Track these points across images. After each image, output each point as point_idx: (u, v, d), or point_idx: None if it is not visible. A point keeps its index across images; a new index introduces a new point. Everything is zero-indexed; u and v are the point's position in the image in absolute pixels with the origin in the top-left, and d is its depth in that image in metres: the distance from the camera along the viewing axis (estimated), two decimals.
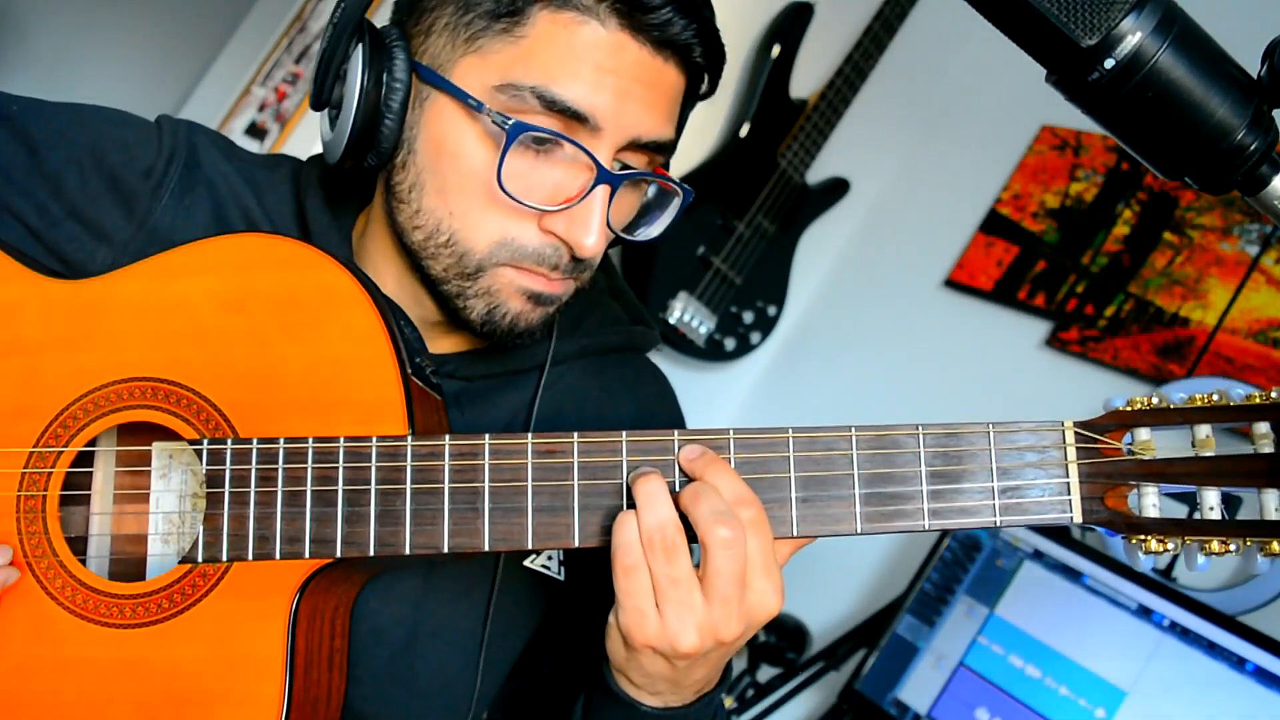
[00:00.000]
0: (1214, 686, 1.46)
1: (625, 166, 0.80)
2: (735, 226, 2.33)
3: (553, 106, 0.74)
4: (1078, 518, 0.66)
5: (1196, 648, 1.49)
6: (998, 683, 1.65)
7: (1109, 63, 0.57)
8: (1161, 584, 1.58)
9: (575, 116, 0.75)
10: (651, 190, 0.87)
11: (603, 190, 0.77)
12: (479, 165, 0.76)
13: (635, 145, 0.79)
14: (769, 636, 2.03)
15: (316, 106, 0.78)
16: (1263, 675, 1.42)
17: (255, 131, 2.57)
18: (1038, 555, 1.71)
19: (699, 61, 0.80)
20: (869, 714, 1.79)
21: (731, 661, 0.78)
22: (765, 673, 2.02)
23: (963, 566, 1.79)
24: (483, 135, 0.76)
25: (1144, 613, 1.56)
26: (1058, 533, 1.72)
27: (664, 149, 0.81)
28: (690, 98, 0.84)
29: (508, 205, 0.77)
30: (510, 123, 0.74)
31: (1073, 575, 1.66)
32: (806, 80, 2.44)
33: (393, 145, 0.78)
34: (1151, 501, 0.65)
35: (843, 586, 2.16)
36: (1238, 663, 1.45)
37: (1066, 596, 1.65)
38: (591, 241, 0.77)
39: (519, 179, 0.76)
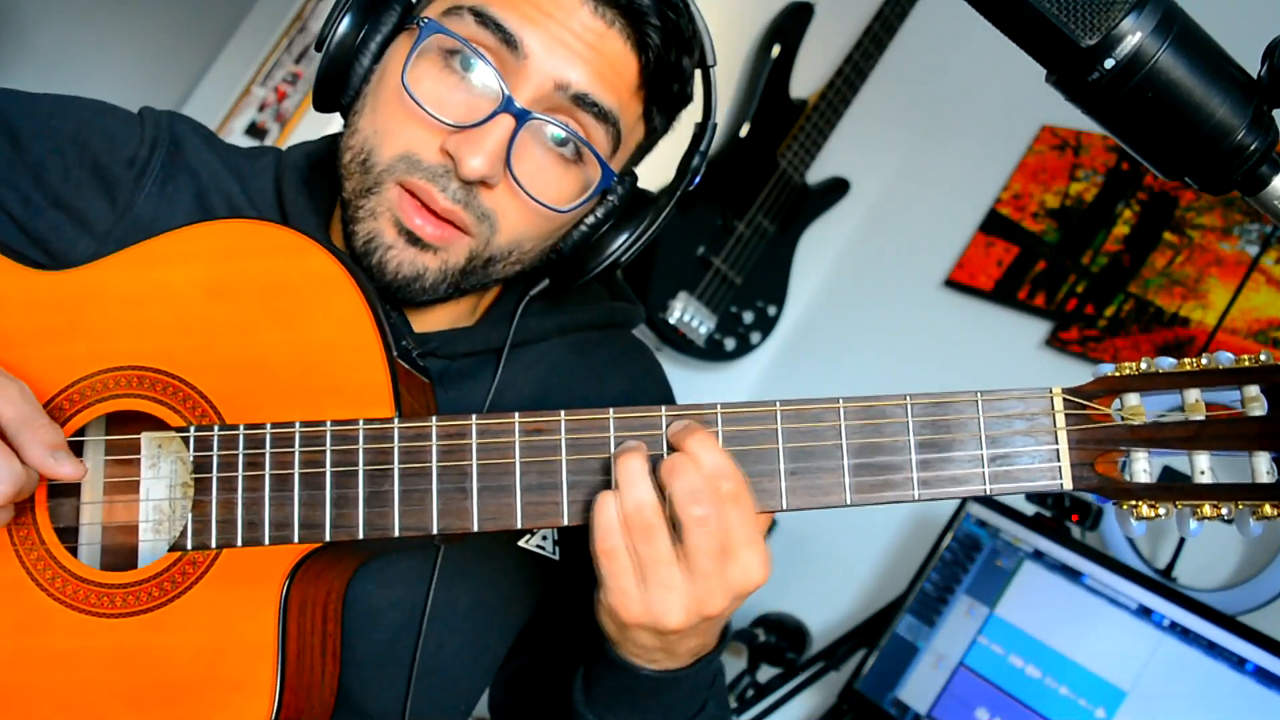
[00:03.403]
0: (1214, 686, 1.46)
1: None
2: (735, 226, 2.33)
3: (485, 24, 0.77)
4: (1068, 484, 0.66)
5: (1196, 648, 1.49)
6: (998, 683, 1.65)
7: (1109, 63, 0.57)
8: (1161, 584, 1.58)
9: (505, 38, 0.77)
10: (592, 177, 0.83)
11: (505, 121, 0.77)
12: (400, 75, 0.79)
13: (565, 97, 0.78)
14: (769, 636, 2.03)
15: (318, 46, 0.83)
16: (1263, 675, 1.42)
17: (255, 131, 2.57)
18: (1038, 555, 1.71)
19: (651, 40, 0.79)
20: (869, 714, 1.79)
21: (730, 622, 0.79)
22: (765, 673, 2.02)
23: (963, 566, 1.79)
24: (409, 47, 0.79)
25: (1144, 613, 1.56)
26: (1058, 532, 1.72)
27: (601, 115, 0.80)
28: (651, 95, 0.83)
29: (416, 117, 0.78)
30: (425, 21, 0.78)
31: (1073, 575, 1.66)
32: (806, 80, 2.44)
33: (360, 82, 0.83)
34: (1142, 467, 0.65)
35: (843, 586, 2.17)
36: (1238, 663, 1.45)
37: (1066, 596, 1.65)
38: (477, 163, 0.76)
39: (431, 94, 0.78)
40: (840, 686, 1.88)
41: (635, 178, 0.90)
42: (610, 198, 0.88)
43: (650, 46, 0.79)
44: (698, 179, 0.90)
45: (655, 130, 0.89)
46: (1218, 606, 1.54)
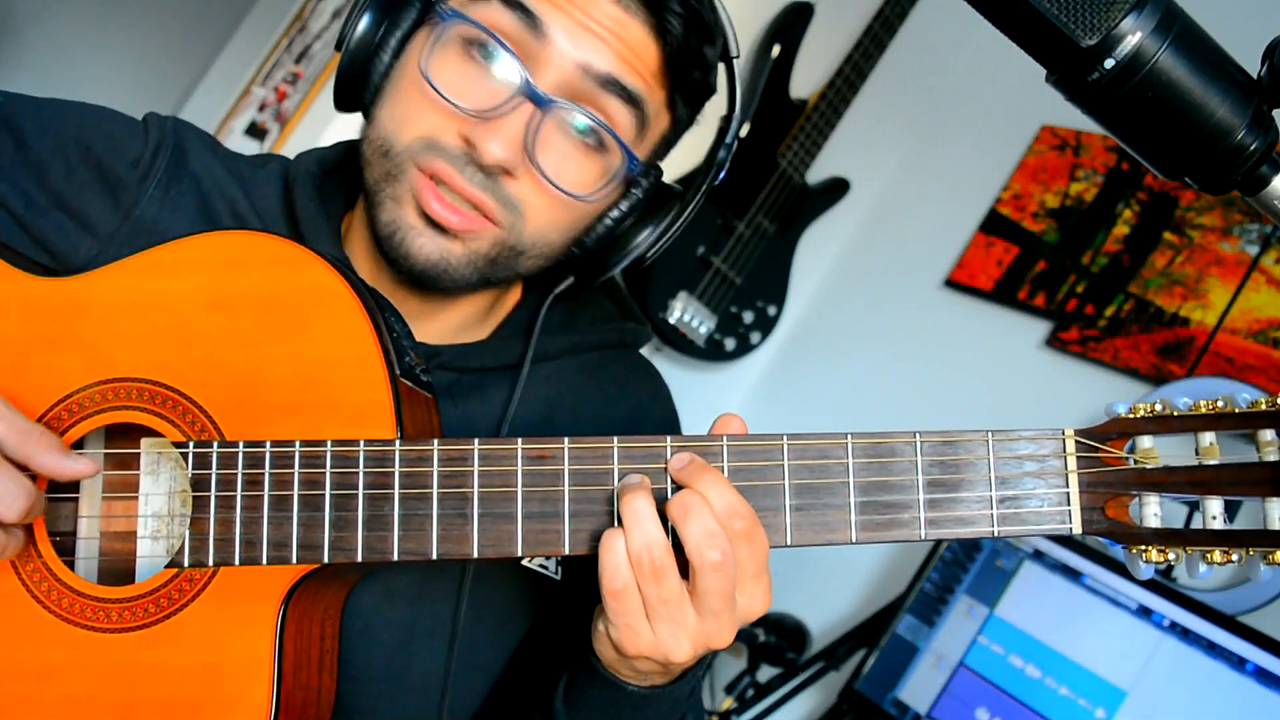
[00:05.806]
0: (1214, 686, 1.46)
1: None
2: (735, 226, 2.33)
3: (509, 5, 0.77)
4: (1077, 529, 0.66)
5: (1196, 648, 1.49)
6: (998, 683, 1.65)
7: (1109, 63, 0.57)
8: (1161, 584, 1.58)
9: (528, 20, 0.76)
10: (615, 167, 0.83)
11: (526, 108, 0.76)
12: (420, 64, 0.79)
13: (591, 81, 0.78)
14: (769, 636, 2.02)
15: (337, 46, 0.83)
16: (1263, 675, 1.42)
17: (255, 131, 2.57)
18: (1038, 555, 1.71)
19: (671, 27, 0.79)
20: (869, 714, 1.79)
21: None
22: (765, 673, 2.02)
23: (963, 566, 1.79)
24: (431, 36, 0.80)
25: (1144, 613, 1.56)
26: None
27: (628, 98, 0.79)
28: (674, 82, 0.83)
29: (435, 104, 0.78)
30: (445, 11, 0.78)
31: (1073, 575, 1.66)
32: (806, 80, 2.44)
33: (381, 79, 0.83)
34: (1153, 510, 0.64)
35: (843, 586, 2.16)
36: (1238, 663, 1.45)
37: (1066, 596, 1.65)
38: (495, 149, 0.76)
39: (452, 82, 0.78)
40: (840, 686, 1.88)
41: (660, 171, 0.90)
42: (634, 190, 0.87)
43: (671, 33, 0.80)
44: (724, 172, 0.90)
45: (680, 121, 0.88)
46: (1218, 606, 1.54)
